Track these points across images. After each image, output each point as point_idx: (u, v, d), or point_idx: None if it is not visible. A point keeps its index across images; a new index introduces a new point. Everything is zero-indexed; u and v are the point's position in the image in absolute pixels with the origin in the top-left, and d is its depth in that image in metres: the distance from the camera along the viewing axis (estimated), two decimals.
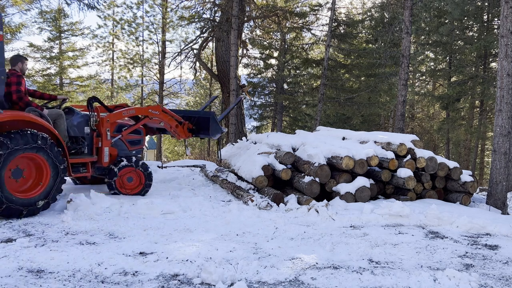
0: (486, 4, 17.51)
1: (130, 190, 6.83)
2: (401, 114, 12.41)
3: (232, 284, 3.34)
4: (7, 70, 5.78)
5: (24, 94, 5.81)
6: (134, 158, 6.92)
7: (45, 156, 5.50)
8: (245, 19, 17.45)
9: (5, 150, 5.12)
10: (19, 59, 6.05)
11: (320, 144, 7.86)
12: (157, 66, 23.36)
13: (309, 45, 19.61)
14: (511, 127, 7.91)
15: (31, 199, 5.39)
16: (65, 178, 5.82)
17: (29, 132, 5.37)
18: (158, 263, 3.79)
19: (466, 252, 4.55)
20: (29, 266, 3.59)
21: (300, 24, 18.87)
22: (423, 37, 19.46)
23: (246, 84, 18.61)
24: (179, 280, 3.43)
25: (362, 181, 7.11)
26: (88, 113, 6.63)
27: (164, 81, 22.89)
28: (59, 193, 5.76)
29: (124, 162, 6.78)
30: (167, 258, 3.93)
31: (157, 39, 22.90)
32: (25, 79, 6.02)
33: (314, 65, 20.00)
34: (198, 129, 8.04)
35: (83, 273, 3.51)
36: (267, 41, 20.49)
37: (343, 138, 9.13)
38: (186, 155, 9.54)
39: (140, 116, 7.32)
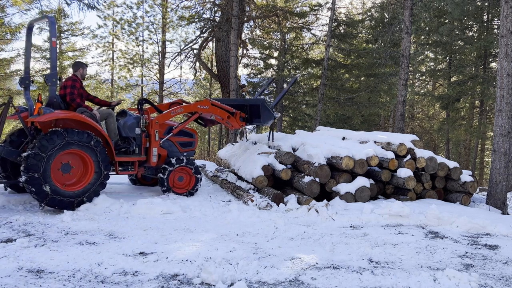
0: (486, 4, 17.50)
1: (180, 189, 7.02)
2: (401, 114, 12.41)
3: (232, 284, 3.34)
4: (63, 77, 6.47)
5: (76, 96, 6.32)
6: (185, 159, 7.08)
7: (91, 155, 5.83)
8: (245, 19, 17.44)
9: (52, 145, 5.51)
10: (80, 65, 6.68)
11: (320, 144, 7.86)
12: (157, 66, 23.36)
13: (309, 45, 19.60)
14: (511, 127, 7.91)
15: (75, 192, 5.73)
16: (106, 181, 6.04)
17: (74, 130, 5.72)
18: (158, 263, 3.79)
19: (466, 252, 4.55)
20: (29, 266, 3.59)
21: (300, 24, 18.87)
22: (423, 37, 19.46)
23: (246, 84, 18.60)
24: (179, 280, 3.43)
25: (362, 181, 7.11)
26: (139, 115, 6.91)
27: (164, 81, 22.88)
28: (96, 196, 5.94)
29: (175, 162, 6.97)
30: (167, 258, 3.93)
31: (157, 39, 22.89)
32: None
33: (314, 65, 19.99)
34: (251, 117, 8.10)
35: (83, 273, 3.51)
36: (267, 41, 20.47)
37: (343, 138, 9.12)
38: (241, 139, 9.34)
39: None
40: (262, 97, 8.56)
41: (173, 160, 6.96)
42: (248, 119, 8.12)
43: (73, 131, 5.68)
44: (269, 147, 8.34)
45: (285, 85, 21.89)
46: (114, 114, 6.73)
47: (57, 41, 6.14)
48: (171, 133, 7.13)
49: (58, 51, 22.17)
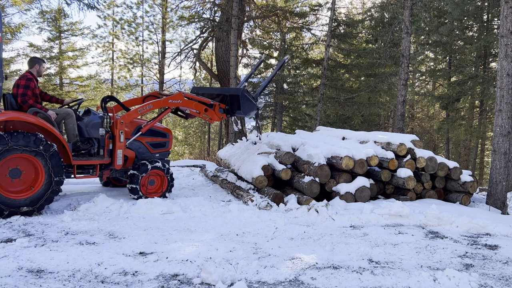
0: (486, 4, 17.50)
1: (152, 193, 6.63)
2: (401, 114, 12.41)
3: (232, 284, 3.34)
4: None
5: (29, 97, 5.81)
6: (156, 162, 6.70)
7: (39, 159, 5.43)
8: (245, 19, 17.45)
9: None
10: (36, 61, 6.06)
11: (320, 144, 7.86)
12: (157, 66, 23.37)
13: (309, 45, 19.60)
14: (511, 127, 7.91)
15: (18, 200, 5.31)
16: (59, 186, 5.61)
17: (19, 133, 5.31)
18: (158, 263, 3.79)
19: (466, 252, 4.55)
20: (29, 266, 3.59)
21: (300, 24, 18.87)
22: (423, 37, 19.45)
23: (246, 84, 18.57)
24: (179, 280, 3.43)
25: (362, 181, 7.11)
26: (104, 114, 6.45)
27: (164, 81, 22.90)
28: (48, 203, 5.56)
29: (147, 166, 6.58)
30: (167, 258, 3.93)
31: (157, 39, 22.91)
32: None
33: (314, 65, 19.99)
34: (232, 108, 7.47)
35: (83, 273, 3.51)
36: (267, 41, 20.48)
37: (343, 138, 9.13)
38: (235, 131, 8.58)
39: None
40: (251, 88, 7.78)
41: (147, 165, 6.57)
42: (229, 111, 7.50)
43: (17, 135, 5.26)
44: (258, 140, 7.93)
45: (285, 85, 21.91)
46: (74, 114, 6.21)
47: (2, 36, 5.65)
48: (139, 133, 6.66)
49: (58, 51, 22.23)
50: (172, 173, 6.85)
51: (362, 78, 19.55)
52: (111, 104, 6.95)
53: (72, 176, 6.13)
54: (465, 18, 17.87)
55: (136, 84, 25.16)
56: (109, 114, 6.42)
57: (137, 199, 6.45)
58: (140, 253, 4.09)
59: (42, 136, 5.49)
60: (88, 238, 4.53)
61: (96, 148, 6.40)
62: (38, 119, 5.63)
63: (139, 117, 6.94)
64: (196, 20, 17.70)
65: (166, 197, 6.73)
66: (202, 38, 18.43)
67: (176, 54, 18.67)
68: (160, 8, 22.10)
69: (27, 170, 5.44)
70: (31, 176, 5.48)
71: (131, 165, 6.76)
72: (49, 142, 5.52)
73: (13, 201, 5.24)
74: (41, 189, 5.45)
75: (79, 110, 6.68)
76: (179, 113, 7.74)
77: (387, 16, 18.12)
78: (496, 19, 17.57)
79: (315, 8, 18.46)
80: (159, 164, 6.68)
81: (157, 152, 7.02)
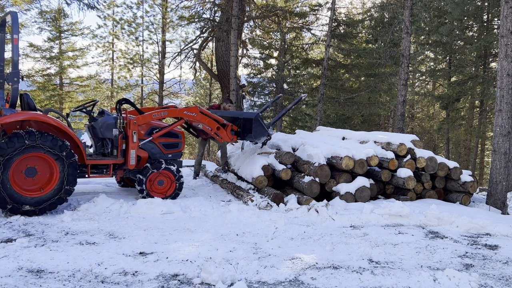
0: (486, 4, 17.51)
1: (161, 194, 6.66)
2: (401, 114, 12.41)
3: (232, 284, 3.34)
4: None
5: None
6: (172, 165, 6.76)
7: (58, 164, 5.56)
8: (245, 19, 17.44)
9: (11, 148, 5.25)
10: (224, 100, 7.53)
11: (320, 144, 7.86)
12: (157, 66, 23.37)
13: (309, 45, 19.61)
14: (511, 127, 7.91)
15: (24, 198, 5.37)
16: (67, 196, 5.67)
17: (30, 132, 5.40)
18: (158, 263, 3.79)
19: (466, 252, 4.55)
20: (29, 266, 3.59)
21: (300, 24, 18.86)
22: (423, 37, 19.46)
23: (246, 84, 18.61)
24: (179, 280, 3.43)
25: (362, 181, 7.11)
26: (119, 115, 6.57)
27: (164, 81, 22.89)
28: (50, 209, 5.56)
29: (153, 166, 6.65)
30: (167, 258, 3.94)
31: (157, 39, 22.91)
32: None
33: (314, 65, 19.99)
34: (244, 131, 7.61)
35: (83, 273, 3.51)
36: (267, 41, 20.47)
37: (343, 138, 9.12)
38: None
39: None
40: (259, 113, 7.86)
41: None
42: (240, 134, 7.64)
43: (47, 136, 5.42)
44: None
45: (285, 85, 21.91)
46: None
47: (19, 38, 5.91)
48: (152, 136, 6.76)
49: (58, 51, 22.23)
50: (182, 182, 6.89)
51: (362, 78, 19.55)
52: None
53: (86, 176, 6.29)
54: (465, 18, 17.87)
55: (136, 84, 25.14)
56: (123, 115, 6.56)
57: (142, 193, 6.57)
58: (140, 253, 4.09)
59: (69, 144, 5.64)
60: (88, 238, 4.54)
61: (110, 148, 6.53)
62: (55, 119, 5.75)
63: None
64: (196, 20, 17.69)
65: (177, 196, 6.87)
66: (202, 38, 18.42)
67: (176, 54, 18.65)
68: (160, 8, 22.11)
69: (43, 172, 5.55)
70: (45, 179, 5.57)
71: (143, 165, 6.82)
72: (72, 151, 5.65)
73: (19, 197, 5.32)
74: (50, 193, 5.52)
75: (93, 111, 6.81)
76: (191, 130, 7.92)
77: (387, 16, 18.12)
78: (496, 19, 17.57)
79: (315, 8, 18.46)
80: (173, 168, 6.78)
81: (169, 153, 7.05)
